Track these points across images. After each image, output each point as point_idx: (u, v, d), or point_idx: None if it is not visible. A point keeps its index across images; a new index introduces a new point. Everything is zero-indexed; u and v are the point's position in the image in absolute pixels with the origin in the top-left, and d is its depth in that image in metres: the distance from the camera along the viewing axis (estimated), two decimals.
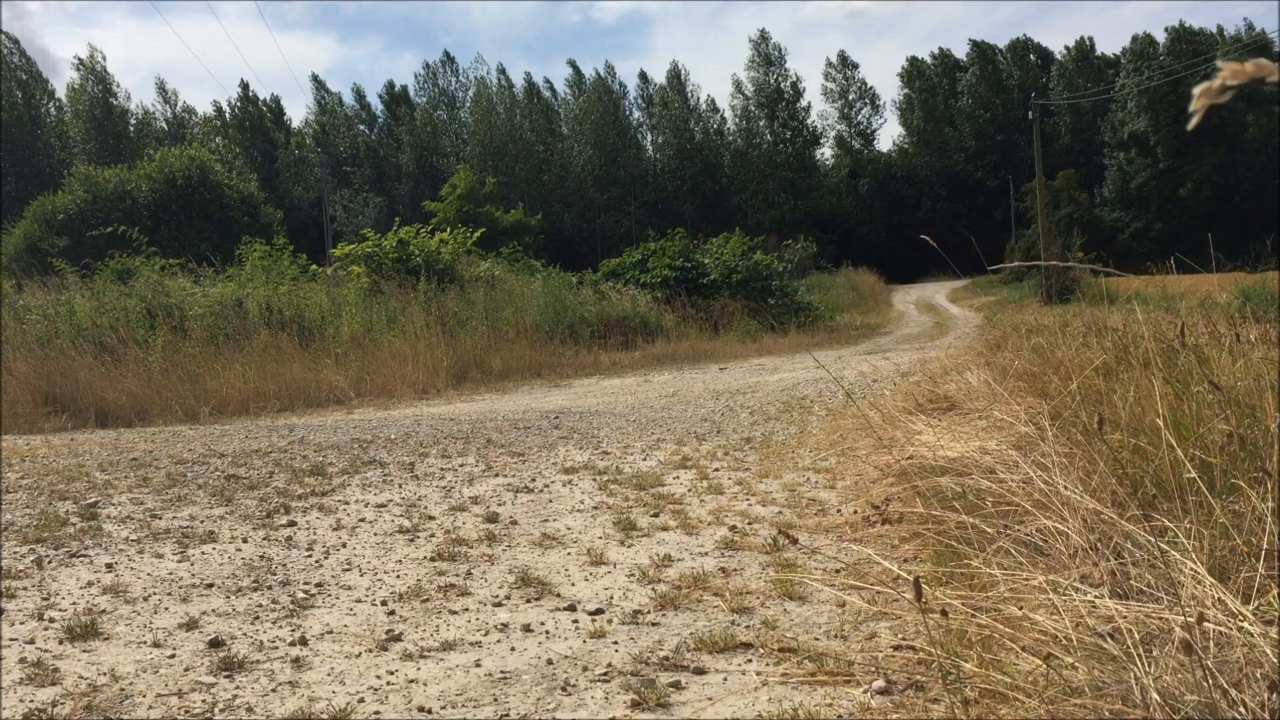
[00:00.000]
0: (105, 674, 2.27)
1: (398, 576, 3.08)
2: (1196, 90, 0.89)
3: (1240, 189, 52.17)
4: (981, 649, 1.91)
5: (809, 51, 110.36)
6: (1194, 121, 0.93)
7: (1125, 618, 1.73)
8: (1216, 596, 1.69)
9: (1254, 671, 1.52)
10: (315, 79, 73.21)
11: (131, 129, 59.67)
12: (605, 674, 2.21)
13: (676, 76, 66.99)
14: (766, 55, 65.66)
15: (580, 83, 67.35)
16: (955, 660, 1.89)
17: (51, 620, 2.66)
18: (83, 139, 56.94)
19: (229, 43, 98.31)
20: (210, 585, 3.01)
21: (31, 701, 2.10)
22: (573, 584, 2.96)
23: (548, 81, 69.84)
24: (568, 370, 13.96)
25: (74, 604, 2.82)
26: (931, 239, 3.85)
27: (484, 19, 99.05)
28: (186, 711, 2.05)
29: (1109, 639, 1.72)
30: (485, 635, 2.51)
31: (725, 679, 2.16)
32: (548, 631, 2.53)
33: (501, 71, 67.27)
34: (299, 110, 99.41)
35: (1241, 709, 1.46)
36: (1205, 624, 1.61)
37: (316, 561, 3.28)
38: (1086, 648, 1.74)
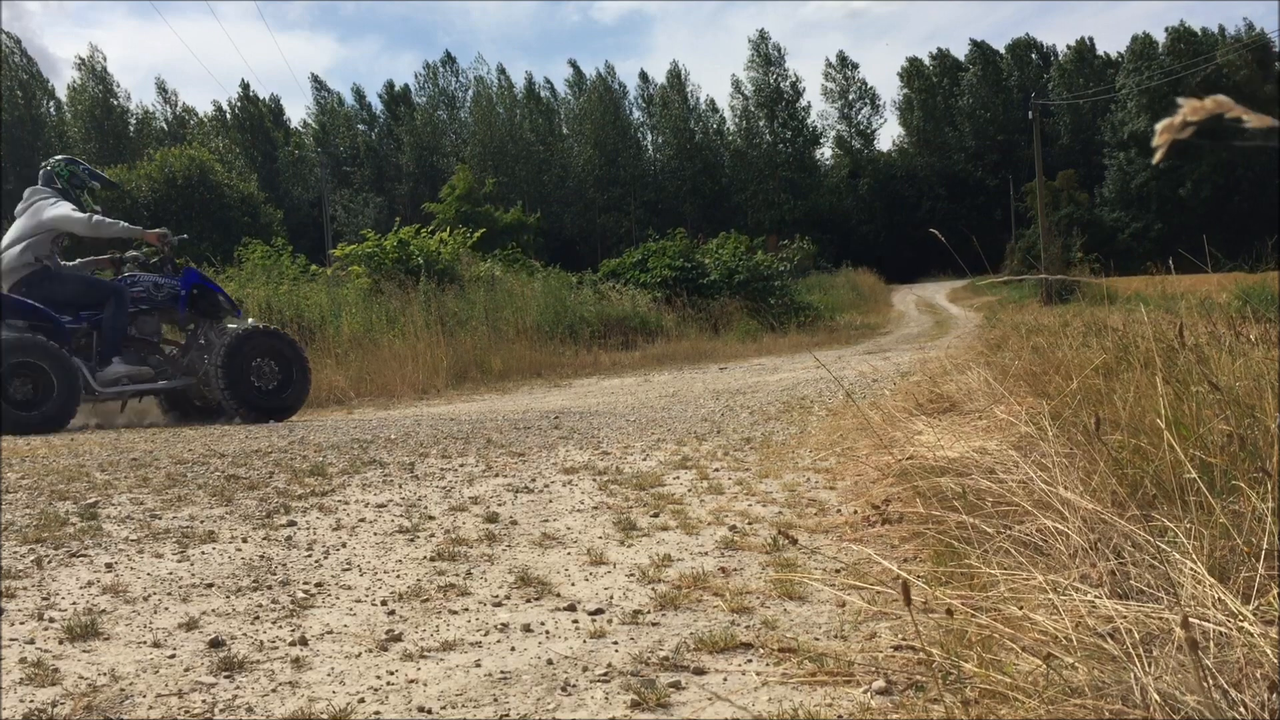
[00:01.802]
0: (105, 674, 2.27)
1: (398, 576, 3.08)
2: (1159, 126, 0.95)
3: (1240, 189, 52.18)
4: (981, 649, 1.91)
5: (809, 51, 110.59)
6: (1158, 156, 1.00)
7: (1125, 618, 1.73)
8: (1216, 596, 1.69)
9: (1254, 671, 1.52)
10: (315, 79, 73.18)
11: (131, 129, 59.66)
12: (605, 674, 2.21)
13: (676, 76, 67.01)
14: (766, 55, 65.66)
15: (580, 82, 67.30)
16: (955, 660, 1.89)
17: (51, 620, 2.66)
18: (83, 139, 56.93)
19: (229, 43, 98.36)
20: (210, 585, 3.01)
21: (31, 701, 2.10)
22: (573, 584, 2.96)
23: (548, 82, 69.82)
24: (568, 370, 13.97)
25: (74, 604, 2.82)
26: (935, 236, 3.86)
27: (484, 19, 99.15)
28: (186, 711, 2.05)
29: (1109, 639, 1.72)
30: (485, 635, 2.51)
31: (725, 679, 2.16)
32: (548, 631, 2.53)
33: (501, 71, 67.21)
34: (299, 110, 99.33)
35: (1241, 709, 1.46)
36: (1204, 624, 1.61)
37: (316, 561, 3.28)
38: (1086, 648, 1.74)
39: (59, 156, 8.35)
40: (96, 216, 7.81)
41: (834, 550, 3.22)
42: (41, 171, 8.06)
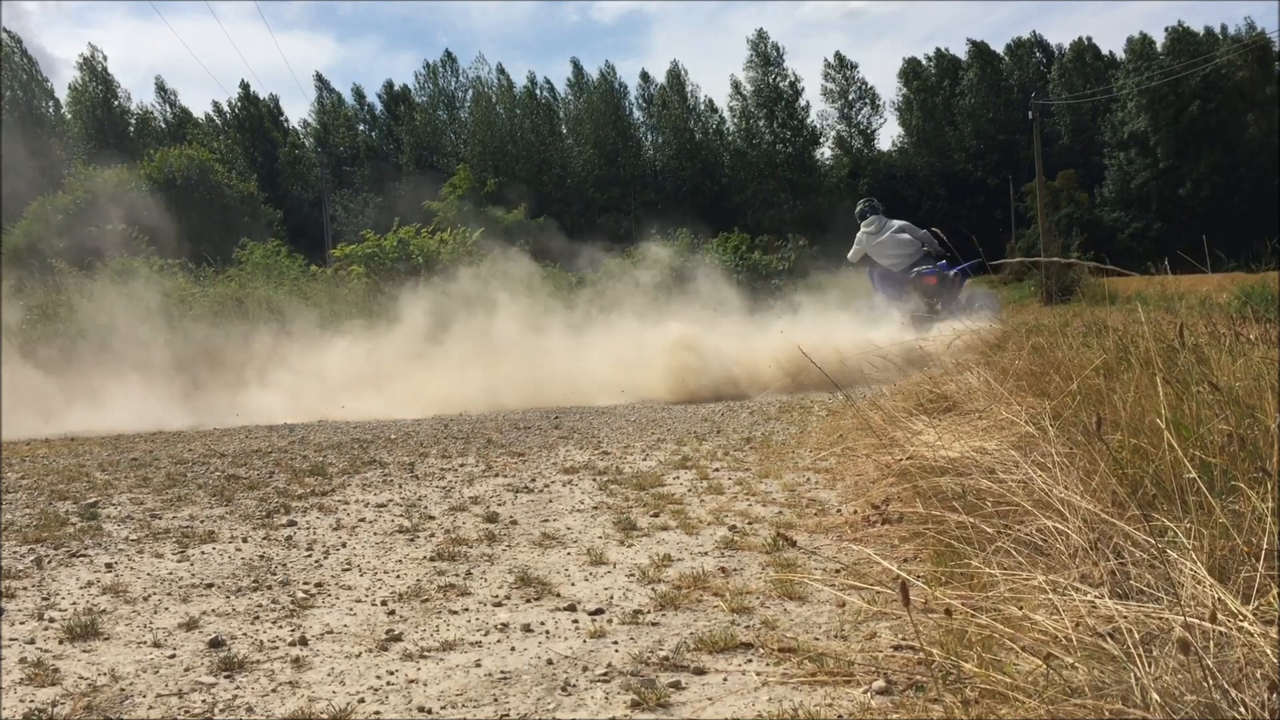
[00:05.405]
0: (105, 674, 2.27)
1: (398, 576, 3.08)
2: None
3: (1240, 189, 52.16)
4: (981, 649, 1.91)
5: (808, 51, 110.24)
6: None
7: (1125, 618, 1.73)
8: (1216, 596, 1.69)
9: (1254, 671, 1.52)
10: (319, 78, 73.15)
11: (131, 129, 59.66)
12: (605, 674, 2.21)
13: (676, 77, 66.96)
14: (765, 55, 65.65)
15: (581, 82, 67.28)
16: (955, 660, 1.89)
17: (51, 620, 2.67)
18: (83, 139, 56.92)
19: (229, 43, 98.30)
20: (210, 585, 3.01)
21: (31, 701, 2.10)
22: (573, 584, 2.96)
23: (548, 82, 69.78)
24: None
25: (74, 604, 2.82)
26: (941, 233, 3.88)
27: (484, 19, 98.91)
28: (186, 711, 2.05)
29: (1109, 639, 1.72)
30: (485, 635, 2.51)
31: (725, 679, 2.16)
32: (548, 631, 2.53)
33: (501, 71, 67.14)
34: (299, 110, 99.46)
35: (1241, 709, 1.46)
36: (1204, 624, 1.61)
37: (316, 561, 3.28)
38: (1086, 648, 1.73)
39: (867, 198, 12.92)
40: (925, 230, 12.03)
41: (834, 550, 3.22)
42: (867, 204, 12.46)
